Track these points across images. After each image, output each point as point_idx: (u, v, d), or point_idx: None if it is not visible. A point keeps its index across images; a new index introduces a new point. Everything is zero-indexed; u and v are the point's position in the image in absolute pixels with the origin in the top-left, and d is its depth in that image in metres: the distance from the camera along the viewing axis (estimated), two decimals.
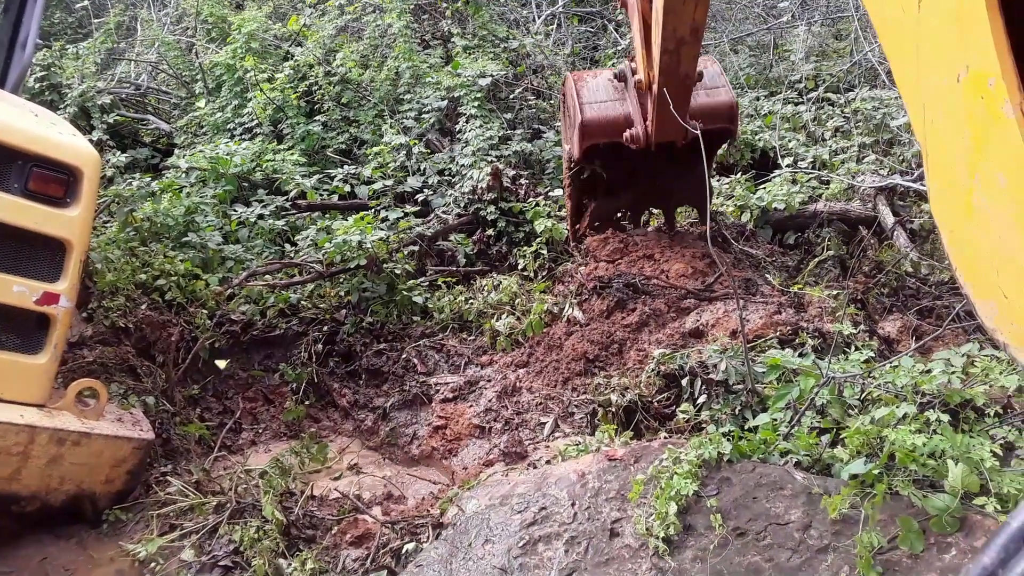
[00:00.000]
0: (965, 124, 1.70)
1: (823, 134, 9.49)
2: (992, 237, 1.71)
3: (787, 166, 8.56)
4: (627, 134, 6.33)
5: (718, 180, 8.56)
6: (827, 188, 7.96)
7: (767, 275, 6.50)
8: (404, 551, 3.98)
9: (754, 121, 9.95)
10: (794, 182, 8.09)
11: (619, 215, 7.43)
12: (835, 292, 5.86)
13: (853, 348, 4.88)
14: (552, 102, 10.71)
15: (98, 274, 6.26)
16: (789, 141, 9.23)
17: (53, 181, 4.40)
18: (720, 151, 8.85)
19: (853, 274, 6.47)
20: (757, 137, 9.48)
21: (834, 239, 6.96)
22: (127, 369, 5.64)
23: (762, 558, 3.33)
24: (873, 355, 4.75)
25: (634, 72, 6.27)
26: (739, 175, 8.51)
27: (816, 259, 6.78)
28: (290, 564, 4.00)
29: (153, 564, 4.16)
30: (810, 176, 8.26)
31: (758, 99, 10.57)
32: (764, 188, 8.02)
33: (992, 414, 3.90)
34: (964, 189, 1.74)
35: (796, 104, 10.26)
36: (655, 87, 5.82)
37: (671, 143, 6.39)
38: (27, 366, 4.37)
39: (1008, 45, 1.65)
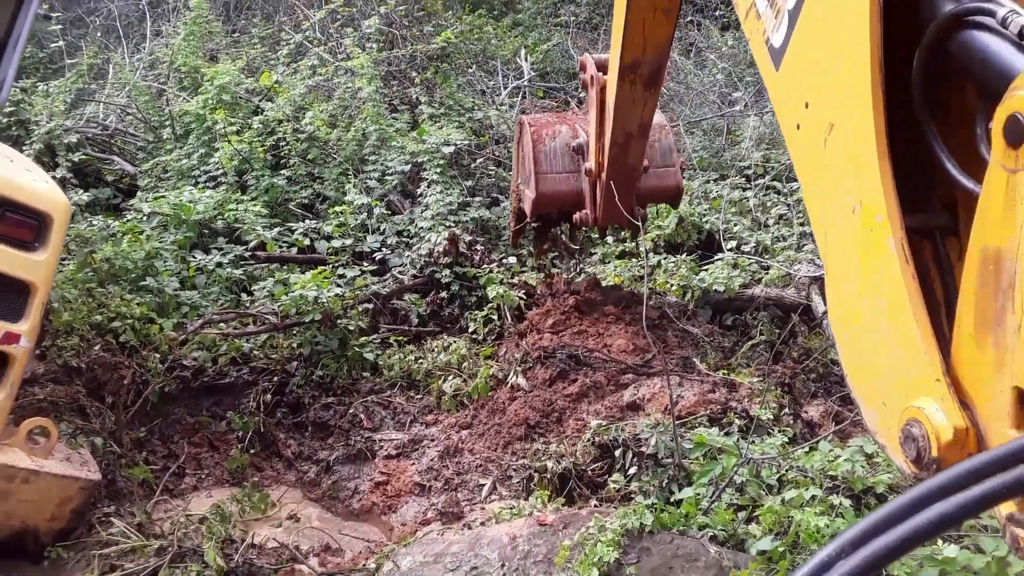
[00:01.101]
0: (856, 251, 2.01)
1: (767, 220, 10.00)
2: (874, 349, 2.01)
3: (730, 249, 9.01)
4: (576, 216, 6.76)
5: (664, 258, 8.97)
6: (766, 274, 8.41)
7: (701, 356, 6.84)
8: None
9: (703, 203, 10.44)
10: (735, 266, 8.52)
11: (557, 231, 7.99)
12: (764, 376, 6.21)
13: (777, 431, 5.21)
14: (511, 171, 11.12)
15: (54, 313, 6.37)
16: (735, 224, 9.70)
17: (24, 226, 4.57)
18: (667, 230, 9.32)
19: (783, 359, 6.85)
20: (704, 219, 9.94)
21: (767, 324, 7.35)
22: (77, 409, 5.73)
23: None
24: (793, 438, 5.09)
25: (587, 156, 6.60)
26: (684, 255, 8.92)
27: (750, 342, 7.16)
28: None
29: None
30: (751, 261, 8.70)
31: (708, 182, 11.10)
32: (707, 270, 8.43)
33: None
34: (854, 306, 2.05)
35: (744, 189, 10.78)
36: (604, 177, 6.18)
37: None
38: None
39: (893, 187, 1.97)
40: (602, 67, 6.08)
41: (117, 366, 6.22)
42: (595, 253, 9.43)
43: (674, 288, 8.32)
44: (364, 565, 4.45)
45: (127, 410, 5.99)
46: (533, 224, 7.63)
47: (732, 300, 8.01)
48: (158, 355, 6.58)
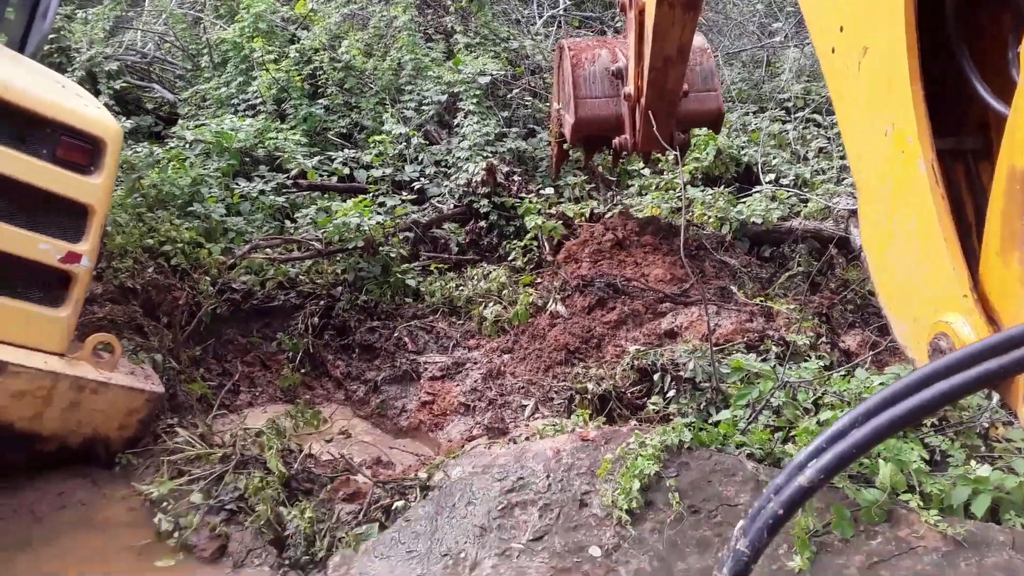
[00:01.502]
0: (888, 172, 2.09)
1: (806, 153, 9.95)
2: (905, 268, 2.11)
3: (768, 182, 9.01)
4: (616, 141, 6.76)
5: (702, 190, 9.01)
6: (805, 207, 8.42)
7: (739, 286, 6.93)
8: (394, 508, 4.38)
9: (741, 136, 10.39)
10: (773, 199, 8.54)
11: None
12: (801, 306, 6.31)
13: (814, 357, 5.33)
14: (548, 103, 11.11)
15: (108, 236, 6.58)
16: (773, 158, 9.67)
17: (79, 150, 4.72)
18: (705, 162, 9.32)
19: (820, 290, 6.93)
20: (743, 152, 9.92)
21: (804, 256, 7.41)
22: (135, 327, 5.97)
23: (712, 533, 3.77)
24: (830, 365, 5.21)
25: (626, 80, 6.58)
26: (722, 187, 8.95)
27: (788, 273, 7.24)
28: (290, 512, 4.39)
29: (164, 504, 4.53)
30: (789, 194, 8.71)
31: (746, 114, 11.02)
32: (744, 202, 8.47)
33: (928, 424, 4.37)
34: (886, 224, 2.14)
35: (783, 122, 10.71)
36: (643, 101, 6.19)
37: None
38: (50, 318, 4.70)
39: (925, 110, 2.04)
40: None
41: (170, 288, 6.44)
42: (632, 185, 9.49)
43: (711, 220, 8.38)
44: (416, 475, 4.68)
45: (182, 329, 6.24)
46: (575, 150, 7.65)
47: (770, 232, 8.07)
48: (208, 278, 6.81)
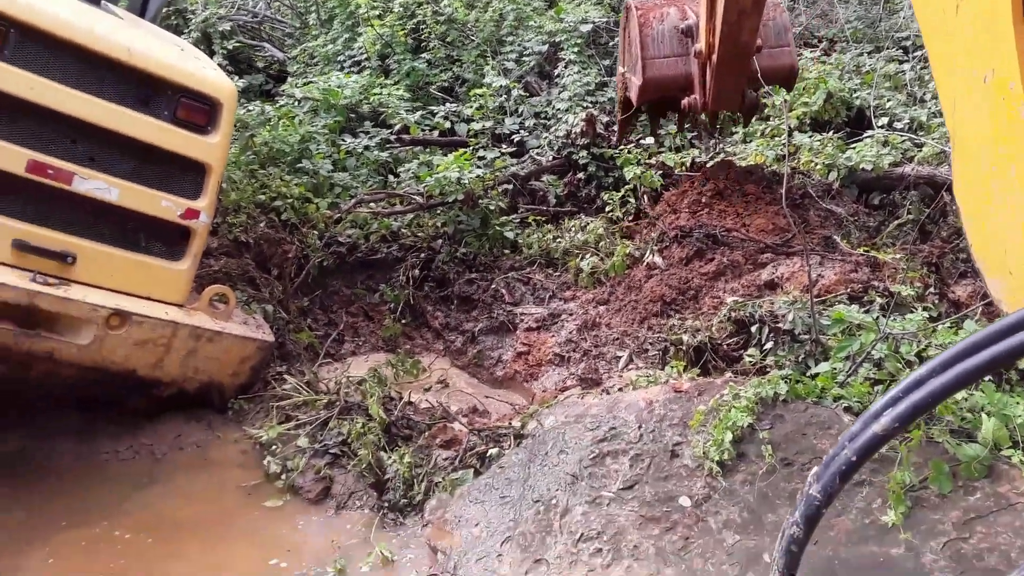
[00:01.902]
0: (987, 120, 2.00)
1: (923, 95, 9.44)
2: (1003, 220, 2.02)
3: (881, 126, 8.61)
4: (685, 102, 6.48)
5: (810, 136, 8.69)
6: (919, 151, 8.02)
7: (844, 236, 6.71)
8: (488, 454, 4.53)
9: (854, 78, 9.93)
10: (885, 143, 8.16)
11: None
12: (910, 255, 6.07)
13: (920, 308, 5.14)
14: None
15: (223, 192, 6.91)
16: (887, 100, 9.22)
17: (197, 111, 4.97)
18: (813, 107, 8.96)
19: (931, 238, 6.63)
20: (855, 95, 9.49)
21: (916, 203, 7.09)
22: (247, 279, 6.29)
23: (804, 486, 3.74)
24: (937, 316, 5.02)
25: (697, 36, 6.30)
26: (831, 133, 8.61)
27: (897, 221, 6.95)
28: (390, 457, 4.61)
29: (273, 447, 4.83)
30: (903, 138, 8.31)
31: (860, 55, 10.51)
32: (854, 148, 8.13)
33: None
34: (982, 176, 2.05)
35: (900, 62, 10.16)
36: (715, 56, 5.94)
37: None
38: (170, 271, 5.02)
39: None
40: None
41: (280, 242, 6.74)
42: (736, 132, 9.24)
43: (819, 167, 8.09)
44: (510, 424, 4.81)
45: (291, 281, 6.54)
46: (641, 113, 7.39)
47: (880, 179, 7.73)
48: (316, 232, 7.08)
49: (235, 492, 4.63)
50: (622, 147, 8.33)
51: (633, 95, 6.72)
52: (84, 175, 4.64)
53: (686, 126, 7.92)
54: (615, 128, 8.72)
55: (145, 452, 4.85)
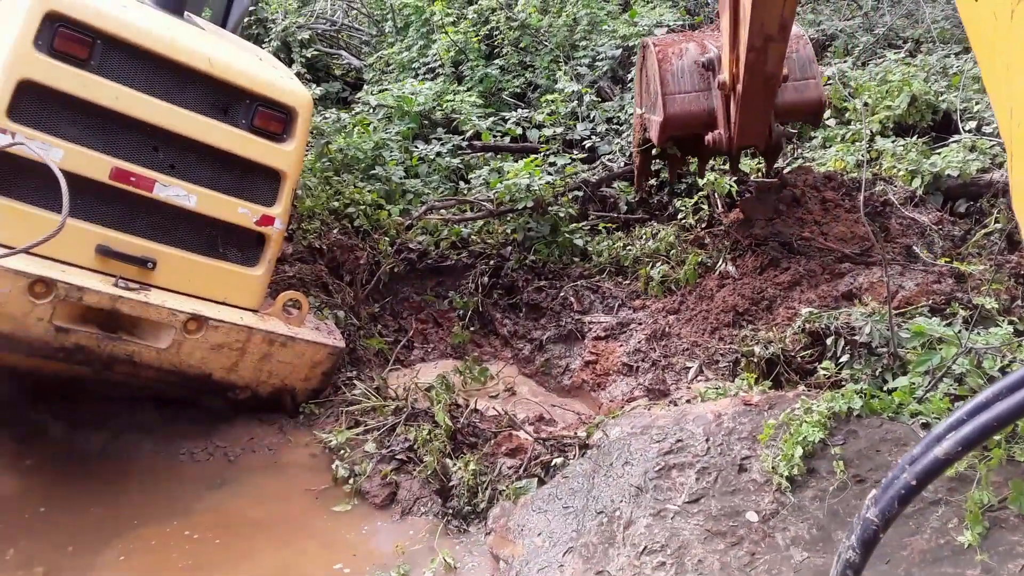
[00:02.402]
0: None
1: None
2: None
3: (968, 131, 8.29)
4: (709, 137, 6.13)
5: (892, 141, 8.42)
6: None
7: (927, 245, 6.48)
8: (553, 464, 4.51)
9: (940, 80, 9.59)
10: (973, 148, 7.85)
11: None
12: (996, 266, 5.82)
13: (1005, 322, 4.92)
14: None
15: (298, 199, 7.07)
16: (976, 103, 8.87)
17: (274, 119, 5.10)
18: (897, 111, 8.68)
19: (1020, 248, 6.35)
20: (941, 98, 9.16)
21: (1004, 211, 6.80)
22: (320, 285, 6.41)
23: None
24: (1023, 329, 4.80)
25: (720, 68, 5.99)
26: (915, 138, 8.33)
27: (984, 231, 6.67)
28: (455, 464, 4.63)
29: (341, 451, 4.91)
30: (992, 143, 7.98)
31: (947, 56, 10.14)
32: (939, 153, 7.85)
33: None
34: None
35: None
36: (739, 87, 5.65)
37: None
38: (246, 277, 5.15)
39: None
40: None
41: (353, 248, 6.86)
42: (815, 137, 9.02)
43: (901, 173, 7.83)
44: (575, 433, 4.78)
45: (363, 287, 6.64)
46: (660, 155, 6.98)
47: (967, 185, 7.43)
48: (387, 239, 7.18)
49: (304, 495, 4.72)
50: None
51: (654, 134, 6.34)
52: (165, 182, 4.80)
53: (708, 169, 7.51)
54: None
55: (219, 453, 4.98)
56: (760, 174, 8.34)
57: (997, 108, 2.03)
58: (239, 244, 5.16)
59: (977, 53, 2.10)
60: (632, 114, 7.76)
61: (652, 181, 8.04)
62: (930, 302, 5.52)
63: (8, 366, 4.69)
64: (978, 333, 4.54)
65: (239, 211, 5.06)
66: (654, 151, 6.79)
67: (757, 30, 5.21)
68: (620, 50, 10.28)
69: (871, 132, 8.40)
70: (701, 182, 7.80)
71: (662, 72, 6.20)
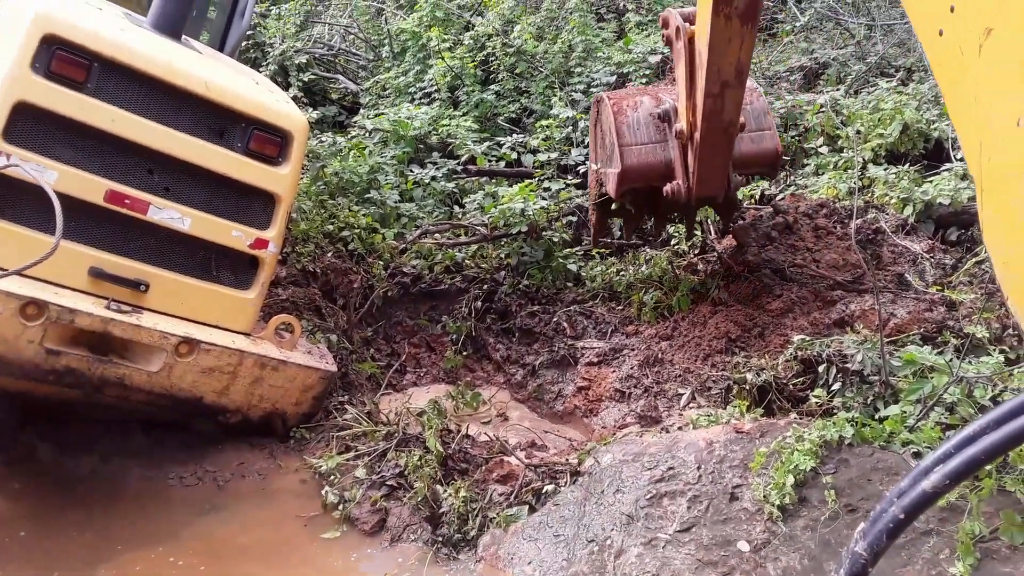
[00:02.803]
0: (1023, 165, 1.89)
1: None
2: None
3: (960, 159, 8.35)
4: (667, 188, 6.02)
5: (884, 169, 8.47)
6: None
7: (919, 273, 6.50)
8: (544, 491, 4.49)
9: (932, 109, 9.67)
10: (964, 177, 7.91)
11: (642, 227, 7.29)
12: (988, 294, 5.84)
13: (996, 351, 4.94)
14: None
15: (293, 223, 7.08)
16: None
17: (269, 143, 5.11)
18: (889, 139, 8.74)
19: None
20: (933, 126, 9.23)
21: None
22: (314, 308, 6.41)
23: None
24: (1016, 359, 4.81)
25: (676, 118, 5.93)
26: (907, 166, 8.39)
27: (975, 259, 6.70)
28: (446, 491, 4.61)
29: (332, 477, 4.88)
30: None
31: (937, 85, 10.23)
32: (931, 181, 7.90)
33: None
34: (1018, 222, 1.94)
35: None
36: (697, 135, 5.60)
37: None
38: (239, 300, 5.14)
39: None
40: (687, 19, 5.54)
41: (347, 271, 6.86)
42: (807, 165, 9.08)
43: (893, 201, 7.88)
44: (567, 460, 4.77)
45: (356, 311, 6.63)
46: (617, 207, 6.80)
47: (958, 213, 7.47)
48: (382, 262, 7.19)
49: (293, 522, 4.68)
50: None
51: (612, 187, 6.18)
52: (159, 205, 4.80)
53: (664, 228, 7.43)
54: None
55: (208, 479, 4.95)
56: (753, 200, 8.39)
57: (965, 142, 2.03)
58: (232, 267, 5.15)
59: (943, 87, 2.10)
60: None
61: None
62: (922, 330, 5.54)
63: None
64: (969, 362, 4.56)
65: (233, 234, 5.06)
66: (612, 206, 6.66)
67: (714, 76, 5.17)
68: (615, 77, 10.35)
69: (863, 160, 8.46)
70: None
71: (618, 124, 6.11)
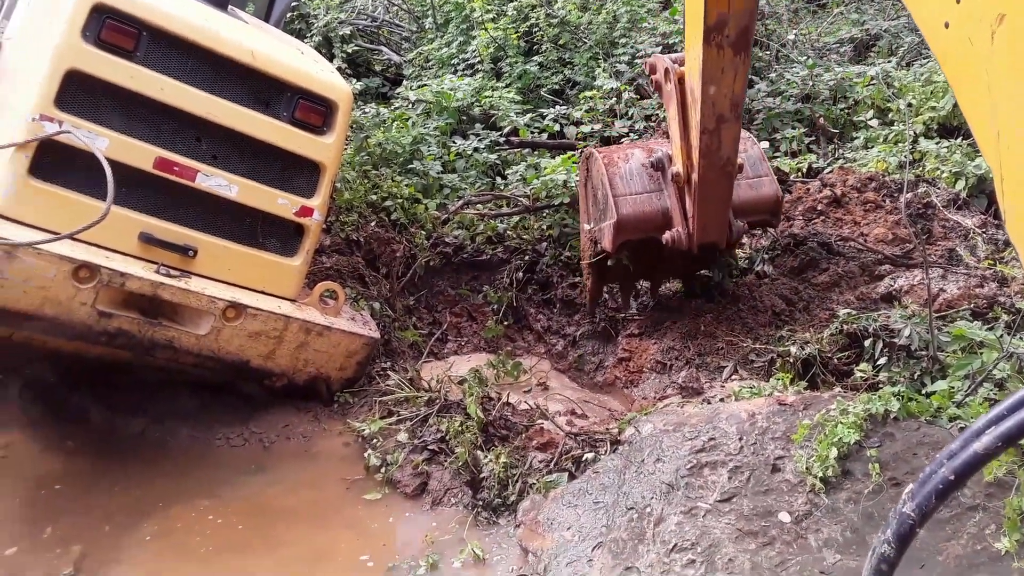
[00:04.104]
0: None
1: None
2: None
3: None
4: (667, 236, 5.76)
5: (936, 143, 8.28)
6: None
7: (970, 248, 6.36)
8: (584, 459, 4.51)
9: None
10: None
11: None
12: None
13: None
14: (770, 51, 10.62)
15: (337, 192, 7.13)
16: None
17: (314, 112, 5.15)
18: (941, 112, 8.52)
19: None
20: None
21: None
22: (357, 277, 6.47)
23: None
24: None
25: (671, 163, 5.75)
26: (959, 139, 8.18)
27: None
28: (486, 456, 4.65)
29: (374, 440, 4.95)
30: None
31: None
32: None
33: None
34: None
35: None
36: (695, 176, 5.41)
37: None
38: (285, 267, 5.21)
39: None
40: (677, 61, 5.39)
41: (390, 241, 6.91)
42: (857, 138, 8.92)
43: (945, 175, 7.70)
44: (607, 429, 4.78)
45: (399, 280, 6.68)
46: (614, 265, 6.45)
47: None
48: (424, 232, 7.22)
49: (336, 484, 4.77)
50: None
51: (607, 241, 5.85)
52: (207, 172, 4.87)
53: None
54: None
55: (255, 440, 5.05)
56: (800, 174, 8.25)
57: (980, 133, 1.96)
58: (278, 234, 5.22)
59: (951, 80, 2.04)
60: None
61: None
62: (972, 306, 5.44)
63: (52, 350, 4.80)
64: (1020, 338, 4.46)
65: (279, 202, 5.12)
66: (608, 262, 6.34)
67: (709, 112, 5.02)
68: (660, 48, 10.21)
69: (914, 133, 8.28)
70: None
71: (610, 176, 5.90)
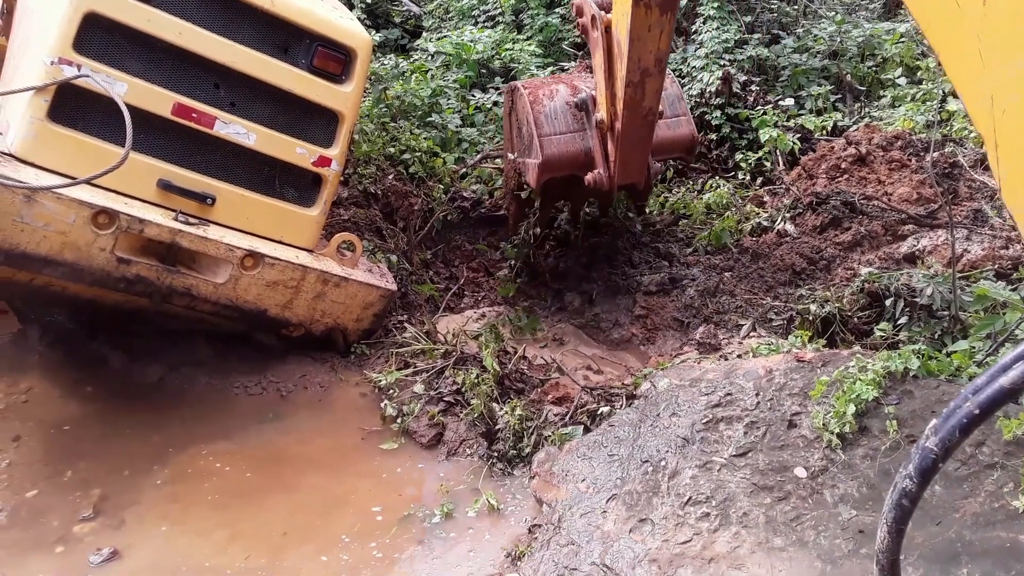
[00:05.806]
0: None
1: None
2: None
3: None
4: (589, 178, 5.87)
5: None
6: None
7: (997, 209, 6.25)
8: (599, 413, 4.51)
9: None
10: None
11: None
12: None
13: None
14: (797, 7, 10.39)
15: (355, 144, 7.08)
16: None
17: (333, 60, 5.08)
18: None
19: None
20: None
21: None
22: (374, 230, 6.45)
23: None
24: None
25: (595, 108, 5.83)
26: None
27: None
28: (502, 408, 4.66)
29: (391, 391, 4.97)
30: None
31: None
32: None
33: None
34: None
35: None
36: (618, 124, 5.49)
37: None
38: (302, 217, 5.19)
39: None
40: (603, 7, 5.40)
41: (407, 194, 6.87)
42: (884, 96, 8.75)
43: (973, 135, 7.56)
44: (623, 384, 4.77)
45: (416, 233, 6.66)
46: (536, 200, 6.58)
47: None
48: (442, 186, 7.17)
49: (352, 433, 4.80)
50: (759, 107, 7.93)
51: (532, 178, 6.04)
52: (225, 120, 4.84)
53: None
54: (753, 88, 8.37)
55: (272, 389, 5.08)
56: (824, 132, 8.12)
57: (970, 100, 1.89)
58: (296, 184, 5.20)
59: (937, 47, 1.97)
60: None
61: (713, 138, 7.77)
62: (996, 266, 5.35)
63: (71, 296, 4.82)
64: None
65: (297, 151, 5.09)
66: (531, 195, 6.47)
67: (634, 66, 5.09)
68: (685, 1, 10.02)
69: (943, 92, 8.11)
70: (763, 138, 7.61)
71: (535, 114, 6.00)
